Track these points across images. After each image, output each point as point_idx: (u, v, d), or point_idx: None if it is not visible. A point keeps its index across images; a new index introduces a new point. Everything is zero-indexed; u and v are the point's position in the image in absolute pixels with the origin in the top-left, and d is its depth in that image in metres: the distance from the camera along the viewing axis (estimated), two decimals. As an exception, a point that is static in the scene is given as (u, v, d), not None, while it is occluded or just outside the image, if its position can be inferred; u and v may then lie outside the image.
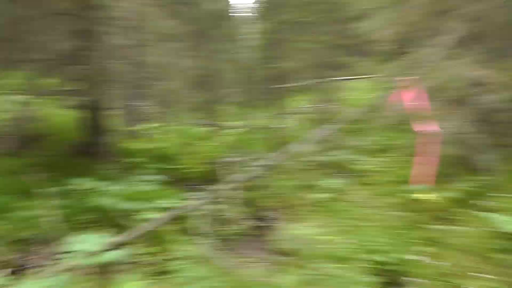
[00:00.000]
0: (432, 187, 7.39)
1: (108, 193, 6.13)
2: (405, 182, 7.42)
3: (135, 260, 4.82)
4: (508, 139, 9.08)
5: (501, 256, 5.27)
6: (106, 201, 5.84)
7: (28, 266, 4.77)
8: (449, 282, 5.35)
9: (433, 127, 6.33)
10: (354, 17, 10.26)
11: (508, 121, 8.08)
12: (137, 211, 5.69)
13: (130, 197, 6.06)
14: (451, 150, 7.21)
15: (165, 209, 5.86)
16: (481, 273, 5.37)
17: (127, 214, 5.68)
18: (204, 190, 6.79)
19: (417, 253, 5.50)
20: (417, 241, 6.13)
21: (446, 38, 7.65)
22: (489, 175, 7.19)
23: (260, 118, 11.36)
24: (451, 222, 6.61)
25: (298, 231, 5.97)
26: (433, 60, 7.54)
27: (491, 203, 6.99)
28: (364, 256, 5.23)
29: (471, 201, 7.12)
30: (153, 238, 5.39)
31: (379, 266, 5.16)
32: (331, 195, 7.30)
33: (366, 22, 8.80)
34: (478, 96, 7.26)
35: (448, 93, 7.61)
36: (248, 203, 6.85)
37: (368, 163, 8.62)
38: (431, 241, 5.98)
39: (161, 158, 9.00)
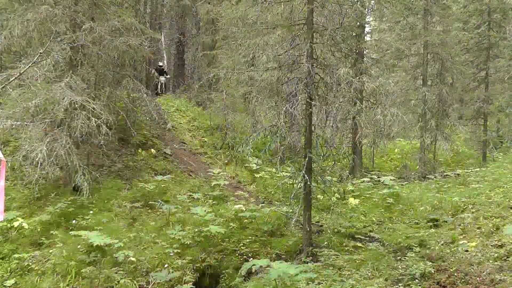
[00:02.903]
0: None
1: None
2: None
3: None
4: (100, 160, 10.56)
5: (90, 268, 6.76)
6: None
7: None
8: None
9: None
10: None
11: (100, 144, 9.41)
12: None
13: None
14: (50, 171, 8.25)
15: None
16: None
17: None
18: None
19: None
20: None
21: (48, 61, 8.20)
22: (84, 194, 8.53)
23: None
24: (46, 246, 7.67)
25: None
26: (32, 80, 8.18)
27: (84, 221, 8.38)
28: None
29: (66, 221, 8.41)
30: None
31: None
32: None
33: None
34: (76, 119, 8.45)
35: (48, 115, 8.56)
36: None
37: None
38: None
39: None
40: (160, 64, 19.58)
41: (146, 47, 10.86)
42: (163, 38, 21.62)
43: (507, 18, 19.10)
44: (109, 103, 10.11)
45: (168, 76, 20.31)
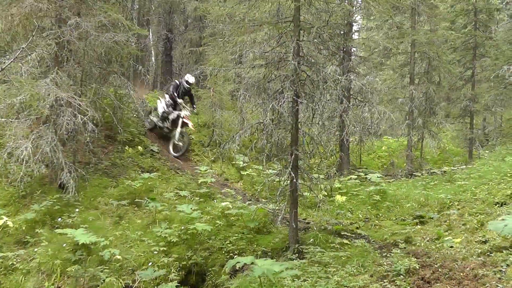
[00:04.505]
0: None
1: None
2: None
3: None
4: (87, 158, 10.45)
5: (76, 267, 6.72)
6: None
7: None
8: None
9: None
10: None
11: (86, 141, 9.37)
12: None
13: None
14: (35, 169, 8.19)
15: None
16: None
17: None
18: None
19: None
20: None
21: (32, 57, 8.15)
22: (70, 192, 8.45)
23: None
24: (31, 244, 7.63)
25: None
26: (18, 76, 8.13)
27: (70, 219, 8.31)
28: None
29: (51, 220, 8.33)
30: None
31: None
32: None
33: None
34: (62, 116, 8.36)
35: (33, 111, 8.50)
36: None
37: None
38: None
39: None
40: (190, 80, 12.18)
41: (133, 44, 10.78)
42: (150, 34, 21.24)
43: (493, 18, 19.39)
44: (95, 100, 10.02)
45: (194, 109, 12.78)
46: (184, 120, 11.45)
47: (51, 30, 9.16)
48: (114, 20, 9.85)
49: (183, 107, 11.84)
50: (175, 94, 11.64)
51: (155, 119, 12.51)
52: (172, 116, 11.50)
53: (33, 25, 8.69)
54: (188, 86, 12.08)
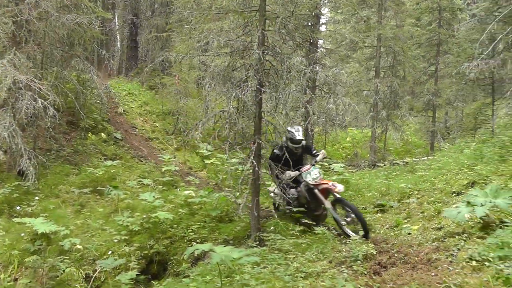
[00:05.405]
0: None
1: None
2: None
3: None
4: (48, 144, 10.31)
5: (34, 257, 6.54)
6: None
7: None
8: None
9: None
10: None
11: (47, 127, 9.15)
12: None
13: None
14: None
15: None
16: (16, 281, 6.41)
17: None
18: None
19: None
20: None
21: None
22: (29, 179, 8.30)
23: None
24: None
25: None
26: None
27: (29, 208, 8.11)
28: None
29: (9, 208, 8.17)
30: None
31: None
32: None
33: None
34: (21, 100, 8.17)
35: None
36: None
37: None
38: None
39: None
40: (298, 136, 7.41)
41: (97, 27, 10.51)
42: (116, 19, 20.67)
43: (456, 17, 20.00)
44: (57, 84, 9.75)
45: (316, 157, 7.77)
46: (322, 186, 7.17)
47: (7, 7, 8.80)
48: (77, 1, 9.56)
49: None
50: (290, 175, 7.32)
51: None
52: (302, 198, 7.46)
53: (-13, 1, 8.33)
54: (298, 145, 7.50)
